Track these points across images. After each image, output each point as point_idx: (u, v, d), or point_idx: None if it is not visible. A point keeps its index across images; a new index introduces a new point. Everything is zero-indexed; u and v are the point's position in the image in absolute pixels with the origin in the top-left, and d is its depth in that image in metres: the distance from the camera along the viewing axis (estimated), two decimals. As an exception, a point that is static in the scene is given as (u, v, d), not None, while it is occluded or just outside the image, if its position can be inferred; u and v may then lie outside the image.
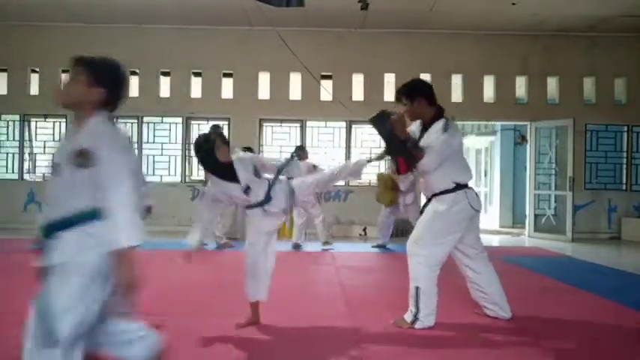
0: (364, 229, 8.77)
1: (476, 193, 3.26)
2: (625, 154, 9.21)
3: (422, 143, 3.13)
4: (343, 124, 9.20)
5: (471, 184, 3.28)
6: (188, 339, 2.87)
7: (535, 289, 4.38)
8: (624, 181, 9.20)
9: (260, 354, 2.68)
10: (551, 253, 6.98)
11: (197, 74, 9.14)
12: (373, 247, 7.09)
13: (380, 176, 7.22)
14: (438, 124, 3.17)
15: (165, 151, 9.21)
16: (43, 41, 8.97)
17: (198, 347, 2.75)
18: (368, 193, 8.14)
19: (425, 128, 3.24)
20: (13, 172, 9.22)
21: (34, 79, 9.21)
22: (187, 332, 2.98)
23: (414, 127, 3.30)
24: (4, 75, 9.19)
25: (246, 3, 7.35)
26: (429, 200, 3.27)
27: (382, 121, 3.03)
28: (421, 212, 3.33)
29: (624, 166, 9.21)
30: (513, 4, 7.66)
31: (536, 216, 9.17)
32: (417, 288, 3.11)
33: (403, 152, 3.06)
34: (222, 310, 3.56)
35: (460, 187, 3.15)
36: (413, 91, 3.23)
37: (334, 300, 3.90)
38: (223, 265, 5.72)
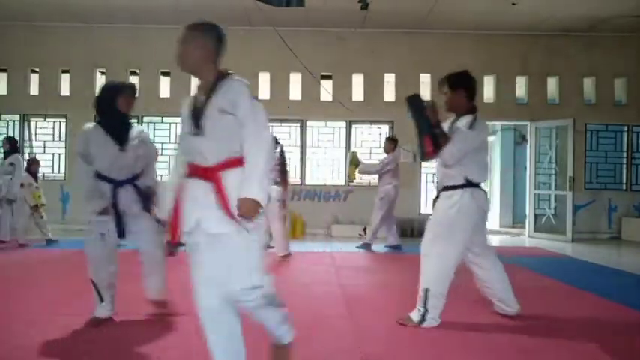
0: (364, 229, 8.76)
1: (485, 194, 3.28)
2: (625, 154, 9.21)
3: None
4: (343, 124, 9.19)
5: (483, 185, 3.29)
6: (187, 339, 2.86)
7: (535, 289, 4.38)
8: (624, 181, 9.20)
9: (260, 354, 2.68)
10: (551, 253, 6.98)
11: (197, 74, 9.13)
12: (386, 246, 7.04)
13: (353, 153, 7.27)
14: (466, 119, 3.20)
15: (165, 151, 9.21)
16: (43, 41, 8.96)
17: (195, 347, 2.75)
18: (368, 193, 8.14)
19: (454, 122, 3.28)
20: (13, 172, 9.21)
21: (34, 79, 9.21)
22: (187, 332, 2.97)
23: (445, 126, 3.31)
24: (4, 75, 9.19)
25: (246, 3, 7.36)
26: (437, 196, 3.30)
27: (417, 101, 3.16)
28: (432, 208, 3.34)
29: (624, 166, 9.21)
30: (513, 4, 7.66)
31: (536, 216, 9.17)
32: (427, 290, 3.11)
33: (430, 132, 3.09)
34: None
35: (470, 184, 3.16)
36: (457, 81, 3.28)
37: (334, 300, 3.90)
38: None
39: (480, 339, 2.95)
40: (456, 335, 3.01)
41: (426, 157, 3.21)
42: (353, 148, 9.17)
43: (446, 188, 3.21)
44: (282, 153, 6.20)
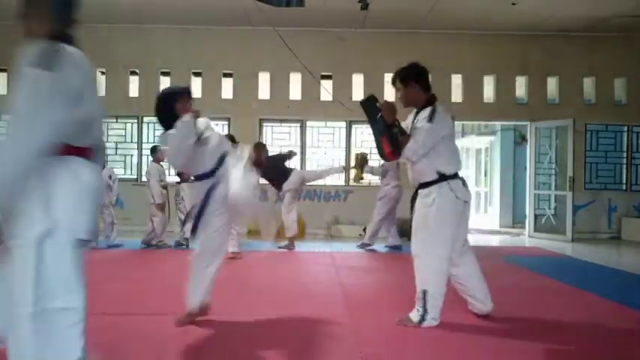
0: (364, 229, 8.75)
1: (463, 182, 3.20)
2: (625, 154, 9.21)
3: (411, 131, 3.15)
4: (343, 124, 9.20)
5: (461, 173, 3.23)
6: (187, 339, 2.87)
7: (535, 289, 4.38)
8: (624, 181, 9.21)
9: (260, 354, 2.68)
10: (551, 253, 6.98)
11: (197, 74, 9.14)
12: (386, 246, 7.06)
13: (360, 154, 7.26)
14: (425, 113, 3.16)
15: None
16: (43, 41, 8.95)
17: (195, 346, 2.75)
18: (368, 193, 8.14)
19: (416, 115, 3.24)
20: (13, 172, 9.21)
21: (34, 79, 9.20)
22: (185, 332, 2.98)
23: (408, 121, 3.30)
24: (4, 75, 9.19)
25: (246, 3, 7.35)
26: (415, 193, 3.26)
27: (371, 103, 3.14)
28: (411, 209, 3.30)
29: (624, 166, 9.21)
30: (513, 4, 7.66)
31: (536, 216, 9.17)
32: (425, 292, 3.08)
33: (386, 133, 3.06)
34: (221, 310, 3.56)
35: (444, 177, 3.11)
36: (407, 76, 3.23)
37: (334, 300, 3.90)
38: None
39: (479, 339, 2.94)
40: (455, 335, 3.00)
41: (386, 157, 3.20)
42: (354, 149, 9.18)
43: (421, 186, 3.18)
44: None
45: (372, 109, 3.14)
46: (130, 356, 2.60)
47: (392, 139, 3.06)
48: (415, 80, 3.21)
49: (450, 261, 3.14)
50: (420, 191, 3.21)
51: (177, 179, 6.87)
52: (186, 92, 3.22)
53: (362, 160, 7.00)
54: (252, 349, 2.73)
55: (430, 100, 3.22)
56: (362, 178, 7.19)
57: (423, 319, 3.09)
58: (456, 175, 3.17)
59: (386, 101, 3.15)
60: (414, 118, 3.23)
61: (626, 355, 2.79)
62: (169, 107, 3.08)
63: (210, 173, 3.08)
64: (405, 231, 8.73)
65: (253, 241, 7.08)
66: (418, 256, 3.15)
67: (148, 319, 3.24)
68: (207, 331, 3.03)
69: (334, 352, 2.71)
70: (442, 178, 3.11)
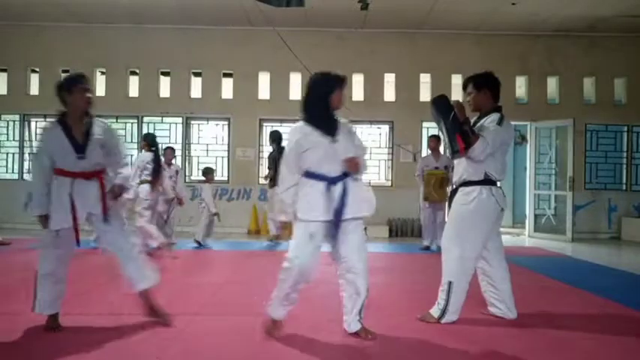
0: (364, 229, 8.76)
1: (503, 192, 3.31)
2: (625, 154, 9.21)
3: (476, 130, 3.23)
4: (343, 124, 9.18)
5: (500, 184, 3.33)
6: (185, 339, 2.87)
7: (535, 289, 4.38)
8: (624, 181, 9.21)
9: (259, 354, 2.68)
10: (551, 253, 6.98)
11: (197, 74, 9.14)
12: (421, 249, 6.87)
13: (434, 174, 6.73)
14: (494, 116, 3.26)
15: (165, 151, 9.20)
16: (43, 41, 8.97)
17: (195, 345, 2.75)
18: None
19: (478, 120, 3.33)
20: (13, 172, 9.23)
21: (34, 79, 9.21)
22: (185, 332, 2.98)
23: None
24: (4, 75, 9.20)
25: (246, 3, 7.36)
26: (454, 191, 3.33)
27: (444, 101, 3.26)
28: (449, 204, 3.38)
29: (624, 166, 9.21)
30: (513, 4, 7.66)
31: (536, 216, 9.17)
32: (450, 283, 3.16)
33: (460, 130, 3.15)
34: (221, 309, 3.56)
35: (489, 181, 3.21)
36: (482, 82, 3.36)
37: (334, 300, 3.89)
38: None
39: (480, 339, 2.94)
40: (456, 335, 3.00)
41: (457, 154, 3.23)
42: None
43: (465, 183, 3.26)
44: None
45: (445, 105, 3.25)
46: (129, 356, 2.60)
47: (465, 136, 3.13)
48: (488, 88, 3.34)
49: (475, 263, 3.22)
50: (461, 188, 3.28)
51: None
52: (343, 82, 2.87)
53: (444, 180, 6.60)
54: (252, 348, 2.73)
55: (498, 108, 3.34)
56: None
57: (443, 313, 3.16)
58: (497, 182, 3.28)
59: (457, 101, 3.26)
60: (475, 123, 3.32)
61: (626, 354, 2.79)
62: (324, 95, 2.81)
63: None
64: (404, 231, 8.77)
65: (251, 241, 7.06)
66: (447, 250, 3.23)
67: (149, 319, 3.23)
68: (207, 330, 3.03)
69: (334, 351, 2.71)
70: (487, 181, 3.21)
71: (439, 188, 6.63)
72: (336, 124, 2.84)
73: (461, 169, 3.30)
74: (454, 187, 3.38)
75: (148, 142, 6.16)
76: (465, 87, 3.43)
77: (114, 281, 4.47)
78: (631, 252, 7.49)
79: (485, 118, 3.30)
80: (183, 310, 3.38)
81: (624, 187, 9.18)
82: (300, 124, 2.86)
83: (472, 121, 3.35)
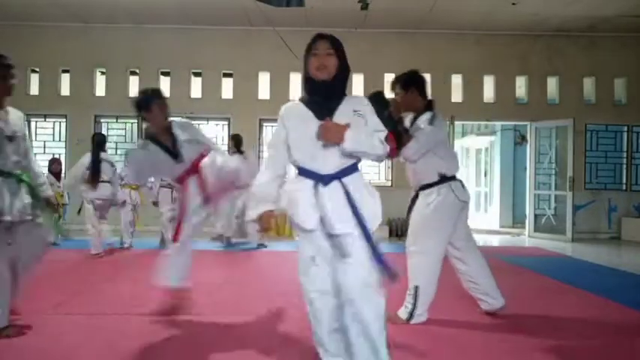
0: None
1: (462, 184, 3.29)
2: (625, 154, 9.21)
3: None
4: (343, 124, 9.18)
5: (459, 175, 3.32)
6: (186, 339, 2.87)
7: (535, 289, 4.38)
8: (624, 181, 9.21)
9: (260, 354, 2.68)
10: (551, 253, 6.98)
11: (197, 74, 9.14)
12: None
13: None
14: (425, 116, 3.23)
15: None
16: (43, 41, 8.96)
17: (194, 345, 2.75)
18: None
19: (414, 120, 3.31)
20: (13, 172, 9.21)
21: (34, 79, 9.21)
22: (186, 332, 2.98)
23: (406, 122, 3.36)
24: (4, 75, 9.18)
25: (246, 3, 7.36)
26: (416, 195, 3.32)
27: (379, 98, 3.18)
28: (409, 209, 3.36)
29: (624, 166, 9.21)
30: (513, 4, 7.66)
31: (536, 216, 9.17)
32: (417, 287, 3.15)
33: (394, 129, 3.11)
34: (219, 310, 3.56)
35: (445, 179, 3.20)
36: (407, 82, 3.32)
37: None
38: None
39: (476, 338, 2.95)
40: (452, 332, 3.01)
41: (391, 155, 3.22)
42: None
43: (423, 187, 3.25)
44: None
45: (379, 104, 3.20)
46: (129, 356, 2.60)
47: (398, 136, 3.12)
48: (415, 86, 3.30)
49: (440, 262, 3.20)
50: (421, 192, 3.27)
51: None
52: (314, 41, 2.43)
53: None
54: (250, 348, 2.73)
55: (429, 106, 3.31)
56: None
57: (411, 315, 3.16)
58: (455, 177, 3.27)
59: (393, 98, 3.25)
60: (412, 123, 3.30)
61: (626, 354, 2.79)
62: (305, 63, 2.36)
63: None
64: (402, 231, 8.73)
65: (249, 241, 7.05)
66: (413, 253, 3.23)
67: (149, 319, 3.23)
68: (205, 330, 3.03)
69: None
70: (443, 179, 3.20)
71: None
72: (330, 102, 2.14)
73: (414, 174, 3.30)
74: (414, 192, 3.35)
75: (236, 142, 6.64)
76: (392, 89, 3.40)
77: (122, 281, 4.47)
78: (631, 252, 7.49)
79: (418, 118, 3.27)
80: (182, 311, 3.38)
81: (624, 187, 9.18)
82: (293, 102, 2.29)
83: (408, 120, 3.34)
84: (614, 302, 3.90)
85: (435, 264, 3.18)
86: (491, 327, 3.17)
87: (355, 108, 2.12)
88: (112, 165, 6.08)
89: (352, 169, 2.11)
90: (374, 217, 2.08)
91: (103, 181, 5.70)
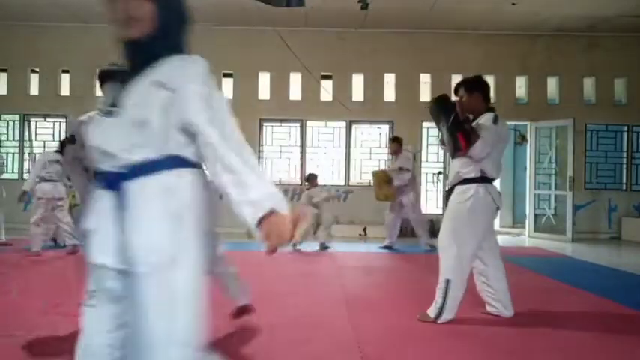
0: (364, 229, 8.77)
1: (497, 190, 3.35)
2: (625, 154, 9.21)
3: None
4: (343, 124, 9.19)
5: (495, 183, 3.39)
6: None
7: (535, 289, 4.38)
8: (624, 181, 9.20)
9: (260, 354, 2.68)
10: (551, 253, 6.98)
11: (197, 74, 9.13)
12: (380, 247, 7.03)
13: (374, 173, 7.21)
14: (488, 116, 3.30)
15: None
16: (43, 41, 8.96)
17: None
18: (368, 193, 8.13)
19: (474, 121, 3.37)
20: (13, 172, 9.22)
21: (34, 79, 9.21)
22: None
23: None
24: (4, 75, 9.19)
25: (246, 3, 7.36)
26: (450, 190, 3.36)
27: (446, 100, 3.35)
28: (445, 203, 3.43)
29: (624, 166, 9.21)
30: (513, 4, 7.66)
31: (536, 216, 9.17)
32: (448, 281, 3.18)
33: (463, 129, 3.20)
34: (219, 311, 3.55)
35: (485, 179, 3.25)
36: (472, 85, 3.42)
37: (334, 300, 3.90)
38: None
39: (479, 339, 2.95)
40: (454, 334, 3.01)
41: (459, 153, 3.26)
42: (353, 149, 9.17)
43: (461, 182, 3.28)
44: None
45: (446, 105, 3.32)
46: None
47: (466, 135, 3.18)
48: (479, 91, 3.40)
49: (472, 261, 3.25)
50: (457, 187, 3.31)
51: None
52: None
53: (385, 177, 6.82)
54: (251, 348, 2.73)
55: (490, 109, 3.39)
56: (392, 198, 6.79)
57: (440, 311, 3.17)
58: (493, 180, 3.33)
59: (458, 100, 3.32)
60: (472, 124, 3.35)
61: (626, 354, 2.79)
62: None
63: None
64: (404, 230, 8.75)
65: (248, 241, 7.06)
66: (444, 248, 3.25)
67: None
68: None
69: (334, 351, 2.71)
70: (483, 179, 3.25)
71: (379, 185, 6.86)
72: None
73: (456, 167, 3.33)
74: (449, 187, 3.41)
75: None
76: (456, 91, 3.48)
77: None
78: (631, 252, 7.49)
79: (480, 118, 3.34)
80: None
81: (624, 187, 9.18)
82: None
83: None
84: (614, 302, 3.90)
85: (467, 261, 3.21)
86: (492, 327, 3.17)
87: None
88: None
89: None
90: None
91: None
